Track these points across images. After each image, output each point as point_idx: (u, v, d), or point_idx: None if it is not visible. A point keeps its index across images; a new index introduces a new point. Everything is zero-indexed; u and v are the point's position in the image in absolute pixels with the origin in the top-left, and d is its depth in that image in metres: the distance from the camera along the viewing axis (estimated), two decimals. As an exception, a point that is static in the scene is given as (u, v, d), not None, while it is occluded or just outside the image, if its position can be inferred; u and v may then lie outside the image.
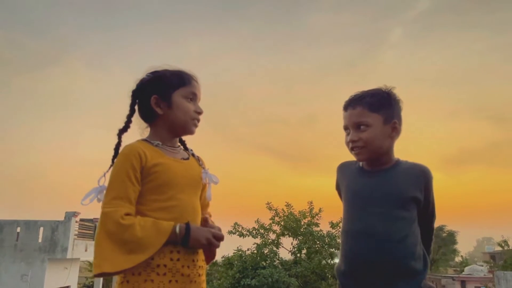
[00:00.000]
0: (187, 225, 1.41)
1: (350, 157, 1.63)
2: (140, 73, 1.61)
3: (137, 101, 1.59)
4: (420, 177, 1.52)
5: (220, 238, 1.48)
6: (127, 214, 1.36)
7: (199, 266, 1.46)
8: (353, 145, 1.56)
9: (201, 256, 1.49)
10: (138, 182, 1.42)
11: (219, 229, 1.53)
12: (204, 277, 1.49)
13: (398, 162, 1.58)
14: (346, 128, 1.60)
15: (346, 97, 1.65)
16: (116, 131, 1.56)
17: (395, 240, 1.44)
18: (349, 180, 1.62)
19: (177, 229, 1.38)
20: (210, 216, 1.63)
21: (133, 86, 1.60)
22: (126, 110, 1.58)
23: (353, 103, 1.58)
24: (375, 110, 1.54)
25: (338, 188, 1.71)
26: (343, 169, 1.70)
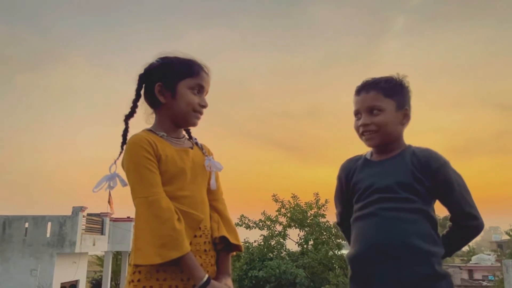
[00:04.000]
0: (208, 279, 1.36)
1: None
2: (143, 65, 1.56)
3: (143, 85, 1.55)
4: (422, 161, 1.48)
5: None
6: (163, 198, 1.34)
7: (211, 256, 1.45)
8: (364, 129, 1.54)
9: (212, 245, 1.48)
10: (157, 166, 1.40)
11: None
12: (215, 267, 1.48)
13: (407, 148, 1.55)
14: (357, 112, 1.58)
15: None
16: (120, 126, 1.53)
17: (406, 222, 1.42)
18: (358, 174, 1.59)
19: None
20: (224, 209, 1.59)
21: (140, 70, 1.56)
22: (130, 102, 1.54)
23: (367, 87, 1.56)
24: (389, 96, 1.53)
25: (342, 184, 1.66)
26: (349, 166, 1.65)
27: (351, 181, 1.60)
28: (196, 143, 1.61)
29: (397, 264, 1.39)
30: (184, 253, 1.30)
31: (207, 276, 1.34)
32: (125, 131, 1.52)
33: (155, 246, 1.28)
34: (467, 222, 1.50)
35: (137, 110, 1.55)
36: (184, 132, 1.61)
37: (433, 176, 1.47)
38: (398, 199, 1.45)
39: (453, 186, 1.48)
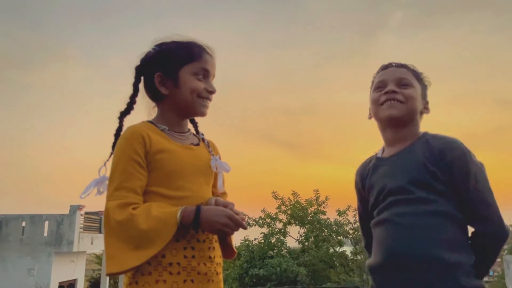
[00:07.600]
0: (198, 207, 1.23)
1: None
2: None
3: (142, 78, 1.40)
4: (435, 152, 1.29)
5: (238, 223, 1.24)
6: (130, 204, 1.19)
7: (217, 263, 1.30)
8: (390, 97, 1.38)
9: (218, 252, 1.32)
10: (143, 168, 1.24)
11: (233, 206, 1.30)
12: (221, 276, 1.33)
13: (420, 137, 1.37)
14: (381, 84, 1.43)
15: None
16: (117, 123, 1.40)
17: (424, 229, 1.23)
18: (371, 178, 1.45)
19: (178, 215, 1.19)
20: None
21: (137, 61, 1.41)
22: (126, 100, 1.41)
23: (397, 64, 1.46)
24: (417, 80, 1.45)
25: (359, 190, 1.53)
26: (362, 171, 1.52)
27: (366, 186, 1.45)
28: (203, 139, 1.46)
29: (415, 278, 1.21)
30: (161, 246, 1.18)
31: (192, 208, 1.22)
32: (119, 129, 1.37)
33: (129, 250, 1.17)
34: (482, 228, 1.26)
35: (135, 106, 1.41)
36: (189, 126, 1.47)
37: (447, 169, 1.26)
38: (413, 201, 1.26)
39: (469, 181, 1.26)
